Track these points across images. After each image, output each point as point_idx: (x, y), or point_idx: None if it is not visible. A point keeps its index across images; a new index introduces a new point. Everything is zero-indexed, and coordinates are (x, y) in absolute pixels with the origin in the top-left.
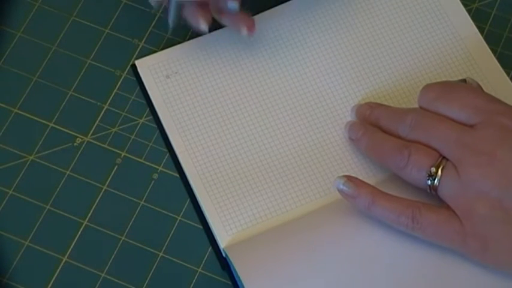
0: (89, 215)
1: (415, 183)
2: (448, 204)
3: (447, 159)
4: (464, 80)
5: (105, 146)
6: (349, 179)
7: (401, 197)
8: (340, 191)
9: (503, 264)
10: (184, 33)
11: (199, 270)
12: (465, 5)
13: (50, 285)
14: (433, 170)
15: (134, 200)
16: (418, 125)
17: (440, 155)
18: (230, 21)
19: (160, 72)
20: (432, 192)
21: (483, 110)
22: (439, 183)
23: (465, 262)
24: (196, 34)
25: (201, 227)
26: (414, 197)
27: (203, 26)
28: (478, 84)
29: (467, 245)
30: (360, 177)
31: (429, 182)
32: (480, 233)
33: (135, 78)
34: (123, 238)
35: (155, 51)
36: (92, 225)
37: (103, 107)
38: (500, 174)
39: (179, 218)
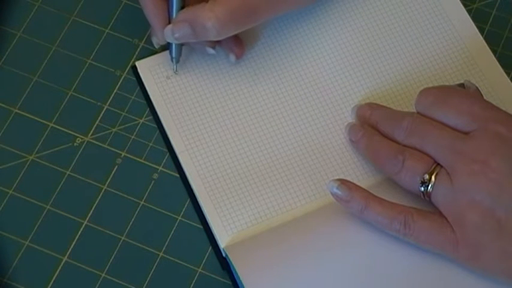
0: (89, 215)
1: (409, 189)
2: (441, 211)
3: (441, 166)
4: (462, 84)
5: (105, 146)
6: (343, 182)
7: (394, 202)
8: (333, 194)
9: (493, 271)
10: None
11: (199, 270)
12: (465, 5)
13: (50, 285)
14: (427, 176)
15: (134, 200)
16: (413, 131)
17: (435, 161)
18: (222, 43)
19: (160, 73)
20: (426, 198)
21: (479, 117)
22: (432, 189)
23: (460, 266)
24: None
25: (201, 227)
26: (409, 201)
27: (210, 50)
28: (477, 88)
29: (458, 252)
30: (360, 178)
31: (422, 189)
32: (471, 241)
33: (135, 79)
34: (123, 238)
35: (155, 52)
36: (92, 225)
37: (103, 107)
38: (493, 183)
39: (179, 218)
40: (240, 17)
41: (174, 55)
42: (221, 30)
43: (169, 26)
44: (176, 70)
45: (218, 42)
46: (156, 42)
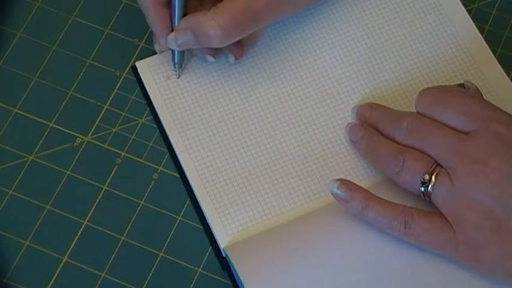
0: (89, 215)
1: (409, 189)
2: (441, 211)
3: (441, 166)
4: (462, 84)
5: (105, 146)
6: (343, 182)
7: (395, 202)
8: (333, 194)
9: (493, 272)
10: None
11: (199, 270)
12: (465, 5)
13: (50, 285)
14: (427, 177)
15: (134, 200)
16: (413, 131)
17: (435, 161)
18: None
19: (160, 73)
20: (426, 199)
21: (479, 117)
22: (432, 190)
23: (460, 266)
24: None
25: (201, 227)
26: (409, 201)
27: (209, 58)
28: (477, 88)
29: (459, 253)
30: (360, 178)
31: (423, 189)
32: (471, 241)
33: (135, 79)
34: (123, 238)
35: (155, 52)
36: (92, 225)
37: (103, 107)
38: (493, 183)
39: (179, 218)
40: (242, 24)
41: (176, 61)
42: (224, 38)
43: (172, 33)
44: (179, 76)
45: (219, 48)
46: (159, 49)
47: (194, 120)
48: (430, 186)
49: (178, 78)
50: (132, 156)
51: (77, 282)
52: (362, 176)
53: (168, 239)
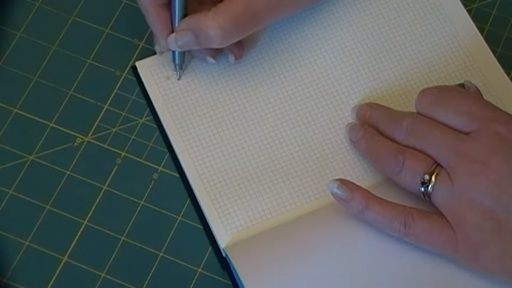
0: (89, 215)
1: (409, 189)
2: (441, 211)
3: (441, 167)
4: (462, 84)
5: (105, 146)
6: (343, 182)
7: (395, 202)
8: (333, 194)
9: (493, 272)
10: None
11: (199, 270)
12: (465, 5)
13: (50, 285)
14: (427, 177)
15: (134, 200)
16: (413, 131)
17: (435, 161)
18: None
19: (160, 73)
20: (426, 199)
21: (479, 117)
22: (432, 190)
23: (460, 266)
24: None
25: (201, 227)
26: (409, 201)
27: (210, 60)
28: (477, 88)
29: (459, 253)
30: (360, 178)
31: (423, 189)
32: (471, 241)
33: (135, 79)
34: (123, 238)
35: (155, 52)
36: (92, 225)
37: (103, 107)
38: (493, 183)
39: (179, 218)
40: (243, 24)
41: (177, 62)
42: (224, 38)
43: (173, 34)
44: (180, 77)
45: (219, 49)
46: (159, 50)
47: (194, 120)
48: (430, 186)
49: (178, 79)
50: (132, 156)
51: (77, 282)
52: (362, 176)
53: (168, 239)
